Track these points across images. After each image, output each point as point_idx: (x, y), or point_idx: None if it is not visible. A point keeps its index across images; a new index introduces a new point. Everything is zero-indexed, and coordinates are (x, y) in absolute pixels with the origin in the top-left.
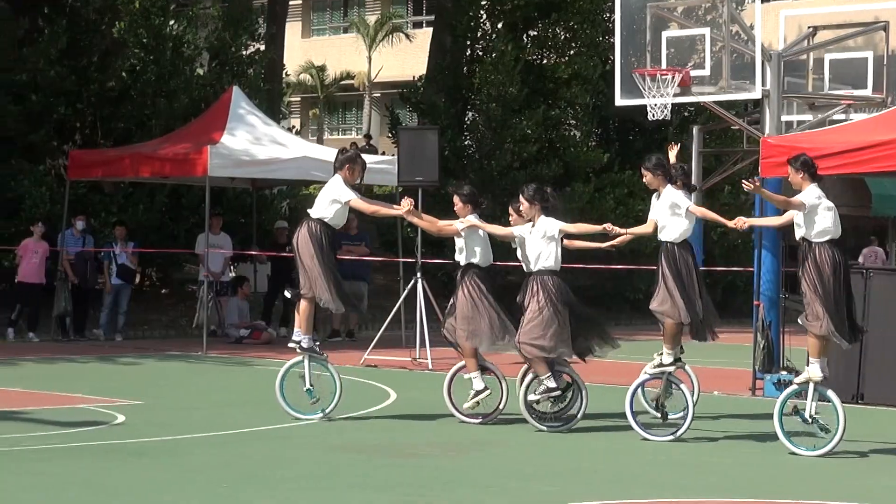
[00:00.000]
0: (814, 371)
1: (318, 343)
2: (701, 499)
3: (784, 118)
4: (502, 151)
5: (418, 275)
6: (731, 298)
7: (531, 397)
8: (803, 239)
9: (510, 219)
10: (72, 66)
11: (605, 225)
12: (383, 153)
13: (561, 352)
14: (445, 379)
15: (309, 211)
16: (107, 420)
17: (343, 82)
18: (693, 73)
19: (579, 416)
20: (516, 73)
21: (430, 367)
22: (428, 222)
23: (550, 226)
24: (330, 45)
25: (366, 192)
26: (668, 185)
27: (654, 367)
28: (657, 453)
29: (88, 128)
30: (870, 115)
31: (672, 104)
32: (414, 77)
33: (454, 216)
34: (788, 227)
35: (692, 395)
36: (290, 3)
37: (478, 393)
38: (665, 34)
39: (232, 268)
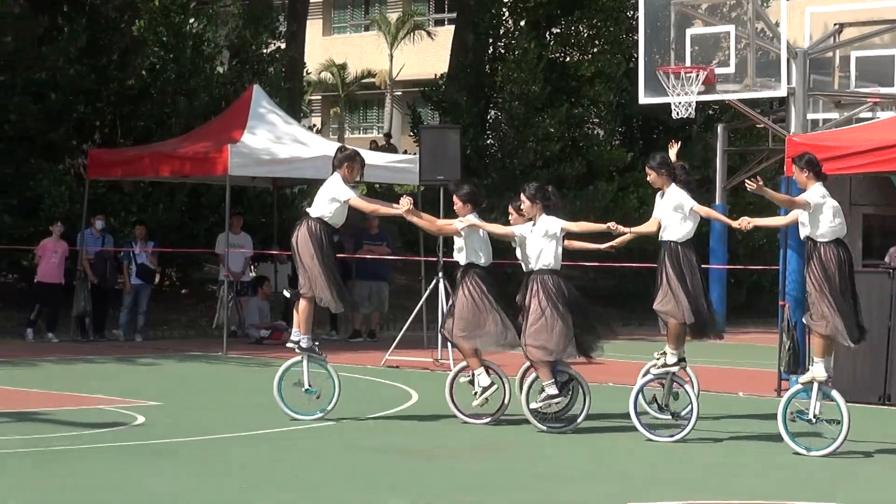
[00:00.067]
0: (818, 370)
1: (317, 343)
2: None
3: (810, 116)
4: (525, 150)
5: (440, 274)
6: (757, 298)
7: (533, 406)
8: (808, 238)
9: (510, 218)
10: (91, 64)
11: (608, 224)
12: (405, 151)
13: (568, 352)
14: (447, 381)
15: (308, 210)
16: (127, 421)
17: (364, 80)
18: (718, 70)
19: (582, 416)
20: (539, 71)
21: (452, 367)
22: (427, 221)
23: (552, 224)
24: (351, 43)
25: (387, 191)
26: (673, 184)
27: (659, 368)
28: (684, 454)
29: (108, 127)
30: None
31: (696, 102)
32: (436, 75)
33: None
34: None
35: (696, 395)
36: (311, 0)
37: (485, 389)
38: (689, 31)
39: (252, 268)
